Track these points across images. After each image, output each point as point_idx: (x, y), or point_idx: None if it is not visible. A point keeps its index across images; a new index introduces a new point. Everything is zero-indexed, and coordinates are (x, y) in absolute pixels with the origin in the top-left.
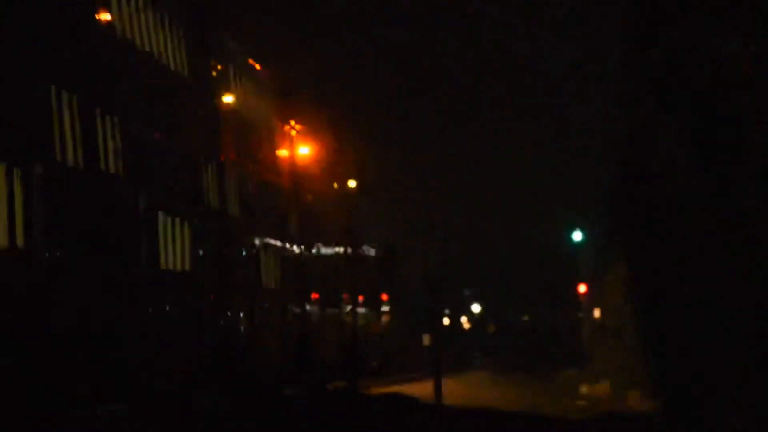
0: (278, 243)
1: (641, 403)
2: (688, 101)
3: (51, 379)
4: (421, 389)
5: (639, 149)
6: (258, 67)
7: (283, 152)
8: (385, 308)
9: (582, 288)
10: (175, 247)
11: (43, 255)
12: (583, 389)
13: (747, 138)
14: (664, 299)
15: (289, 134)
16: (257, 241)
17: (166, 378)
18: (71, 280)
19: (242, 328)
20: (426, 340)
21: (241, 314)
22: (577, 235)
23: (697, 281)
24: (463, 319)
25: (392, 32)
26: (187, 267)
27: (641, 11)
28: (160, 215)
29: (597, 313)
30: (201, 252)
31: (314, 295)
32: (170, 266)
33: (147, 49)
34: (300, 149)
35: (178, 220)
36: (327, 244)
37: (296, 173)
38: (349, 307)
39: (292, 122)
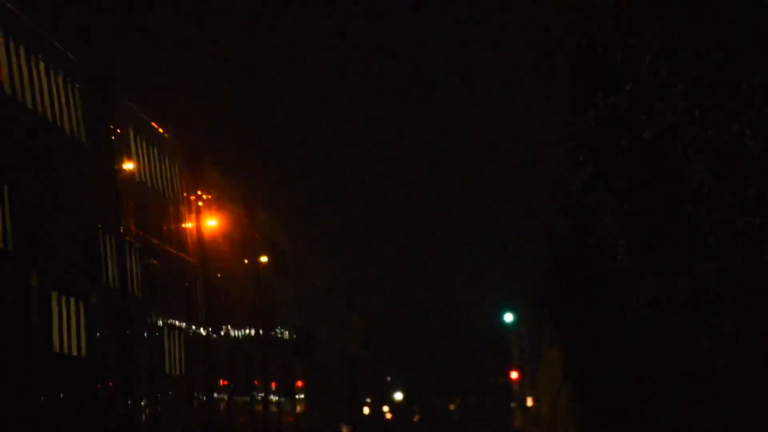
0: (183, 324)
1: None
2: (628, 169)
3: None
4: None
5: (576, 224)
6: (162, 131)
7: (189, 224)
8: (300, 396)
9: (514, 374)
10: (70, 330)
11: None
12: None
13: (690, 210)
14: (602, 384)
15: (197, 205)
16: (160, 322)
17: None
18: None
19: (143, 417)
20: (345, 430)
21: (143, 402)
22: (508, 317)
23: (639, 366)
24: (385, 409)
25: (310, 98)
26: (83, 351)
27: (580, 75)
28: (54, 294)
29: (530, 401)
30: (98, 334)
31: (222, 382)
32: (65, 351)
33: (39, 109)
34: (208, 221)
35: (73, 299)
36: (237, 326)
37: (203, 247)
38: (260, 395)
39: (200, 192)
